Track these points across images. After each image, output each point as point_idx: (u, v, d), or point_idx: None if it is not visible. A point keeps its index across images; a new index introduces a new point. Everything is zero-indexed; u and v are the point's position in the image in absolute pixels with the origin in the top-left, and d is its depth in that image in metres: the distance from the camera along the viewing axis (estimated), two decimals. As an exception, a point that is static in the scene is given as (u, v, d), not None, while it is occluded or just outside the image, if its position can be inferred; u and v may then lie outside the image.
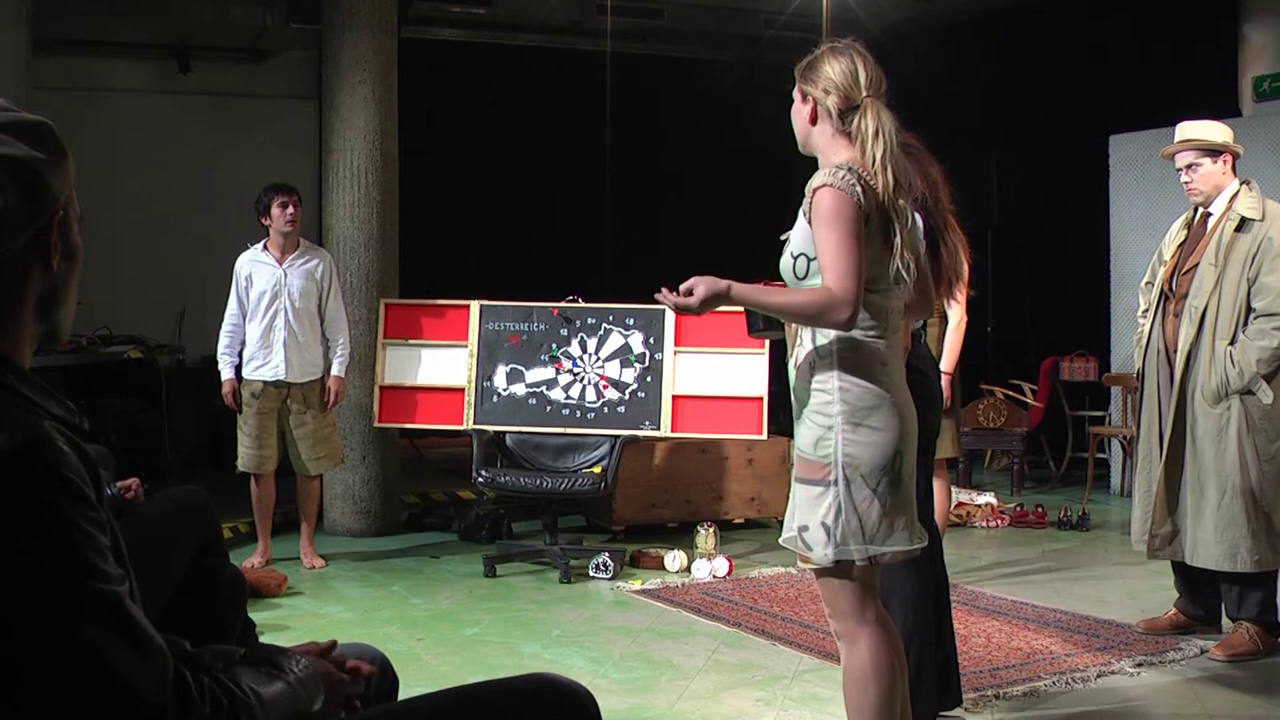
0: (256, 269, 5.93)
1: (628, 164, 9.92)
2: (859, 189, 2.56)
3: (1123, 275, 8.21)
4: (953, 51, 9.35)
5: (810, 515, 2.65)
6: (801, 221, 2.66)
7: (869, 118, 2.63)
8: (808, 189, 2.63)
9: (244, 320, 5.92)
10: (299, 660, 1.62)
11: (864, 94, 2.65)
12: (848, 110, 2.66)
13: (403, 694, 2.03)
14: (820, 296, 2.54)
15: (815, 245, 2.59)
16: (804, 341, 2.71)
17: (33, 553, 1.24)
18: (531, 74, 9.93)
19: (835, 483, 2.62)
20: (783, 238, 2.79)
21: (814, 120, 2.72)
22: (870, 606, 2.68)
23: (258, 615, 3.49)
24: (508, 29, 9.73)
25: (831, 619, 2.76)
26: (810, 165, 2.86)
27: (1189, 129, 4.44)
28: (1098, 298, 8.42)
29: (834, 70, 2.67)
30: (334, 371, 6.03)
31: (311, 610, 5.24)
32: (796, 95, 2.75)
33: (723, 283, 2.65)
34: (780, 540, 2.78)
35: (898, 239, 2.62)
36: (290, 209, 5.90)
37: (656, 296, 2.74)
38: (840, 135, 2.68)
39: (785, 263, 2.72)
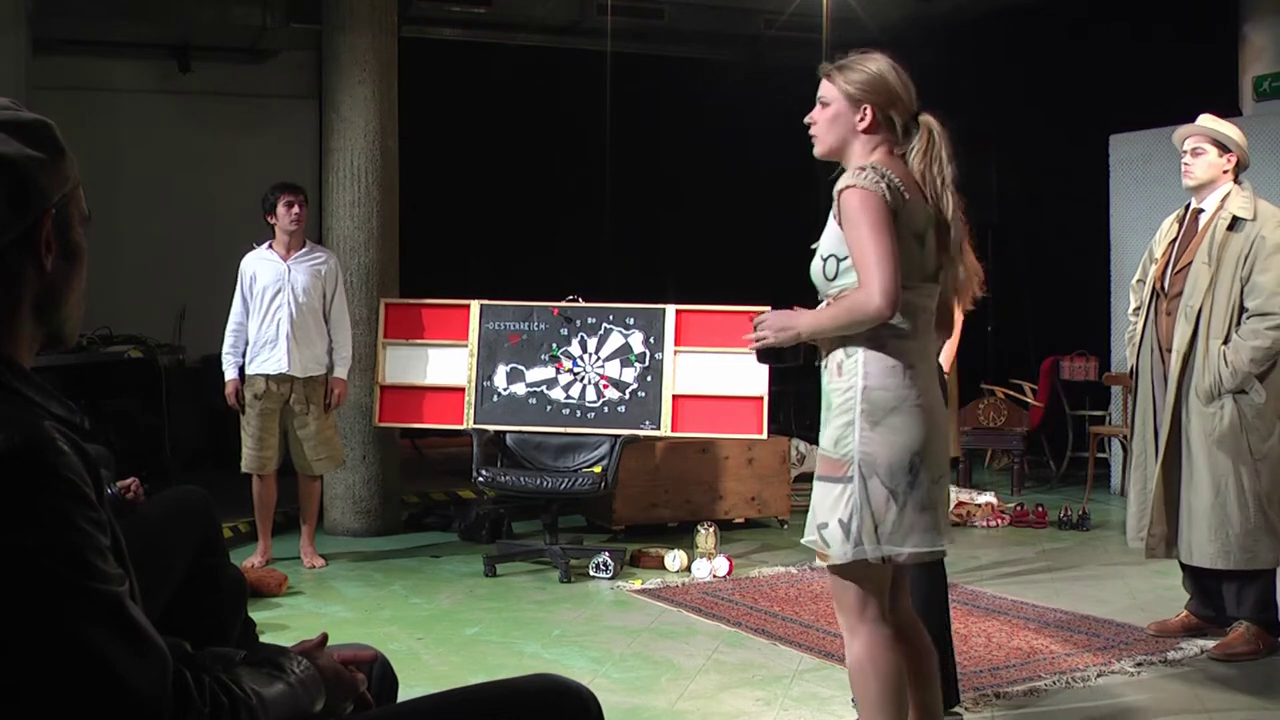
0: (260, 265, 5.97)
1: (627, 164, 9.91)
2: (884, 186, 2.60)
3: (1123, 275, 8.20)
4: (953, 51, 9.34)
5: (830, 513, 2.70)
6: (831, 224, 2.70)
7: (934, 132, 2.70)
8: (835, 192, 2.66)
9: (247, 320, 5.95)
10: (300, 661, 1.62)
11: (917, 106, 2.71)
12: (908, 121, 2.71)
13: (403, 694, 2.03)
14: (855, 296, 2.60)
15: (847, 245, 2.63)
16: (833, 343, 2.74)
17: (32, 553, 1.24)
18: (531, 74, 9.92)
19: (852, 480, 2.66)
20: (813, 247, 2.81)
21: (871, 129, 2.72)
22: (872, 605, 2.72)
23: (258, 615, 3.49)
24: (508, 29, 9.72)
25: (837, 613, 2.82)
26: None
27: (1208, 118, 4.44)
28: (1098, 298, 8.41)
29: (896, 83, 2.72)
30: (336, 372, 6.06)
31: (311, 610, 5.24)
32: (841, 102, 2.74)
33: (790, 320, 2.73)
34: (802, 540, 2.83)
35: (931, 242, 2.68)
36: (296, 208, 5.95)
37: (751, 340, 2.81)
38: (883, 146, 2.72)
39: (815, 266, 2.76)
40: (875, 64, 2.73)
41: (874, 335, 2.65)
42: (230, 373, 5.95)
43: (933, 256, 2.71)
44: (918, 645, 2.88)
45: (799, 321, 2.72)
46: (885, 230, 2.57)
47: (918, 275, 2.67)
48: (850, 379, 2.69)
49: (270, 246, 6.01)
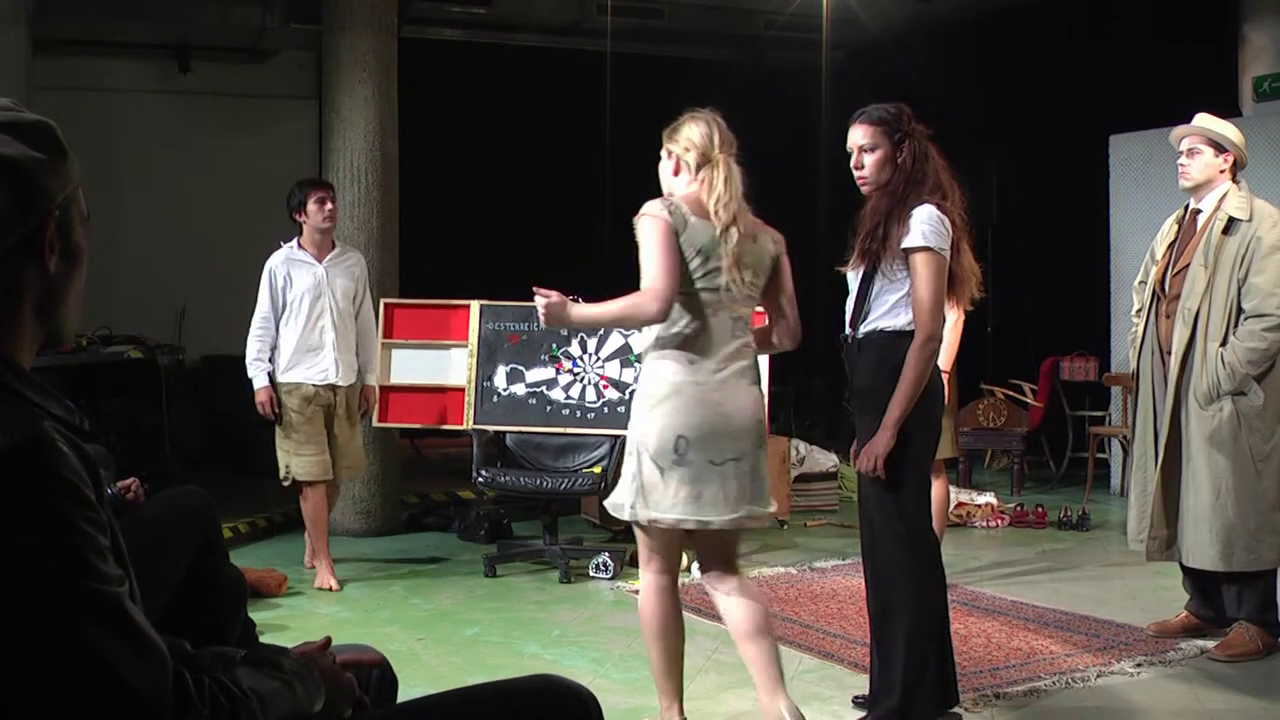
0: (295, 268, 5.60)
1: (627, 164, 9.89)
2: (667, 212, 3.15)
3: (1123, 275, 8.20)
4: (953, 51, 9.34)
5: (623, 481, 3.30)
6: None
7: (720, 169, 3.23)
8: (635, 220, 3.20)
9: (276, 322, 5.59)
10: (300, 661, 1.62)
11: (717, 152, 3.24)
12: (704, 164, 3.25)
13: (403, 694, 2.03)
14: (631, 298, 3.14)
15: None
16: (644, 338, 3.29)
17: (32, 554, 1.24)
18: (531, 74, 9.92)
19: (632, 455, 3.25)
20: None
21: (676, 172, 3.31)
22: (656, 559, 3.30)
23: (258, 615, 3.49)
24: (508, 29, 9.73)
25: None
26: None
27: (1204, 118, 4.44)
28: (1098, 298, 8.42)
29: (694, 132, 3.29)
30: (369, 380, 5.85)
31: (311, 610, 5.24)
32: (664, 153, 3.35)
33: (567, 306, 3.22)
34: (605, 502, 3.40)
35: (725, 260, 3.16)
36: (328, 205, 5.62)
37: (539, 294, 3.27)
38: (694, 184, 3.25)
39: None
40: (687, 118, 3.31)
41: (663, 332, 3.20)
42: (260, 380, 5.53)
43: (726, 270, 3.16)
44: (746, 600, 3.31)
45: (574, 313, 3.21)
46: (664, 248, 3.11)
47: (699, 283, 3.17)
48: (643, 370, 3.26)
49: (300, 246, 5.65)
